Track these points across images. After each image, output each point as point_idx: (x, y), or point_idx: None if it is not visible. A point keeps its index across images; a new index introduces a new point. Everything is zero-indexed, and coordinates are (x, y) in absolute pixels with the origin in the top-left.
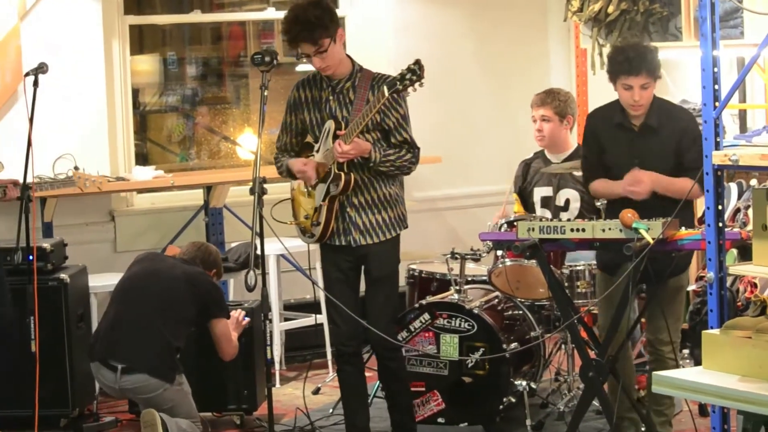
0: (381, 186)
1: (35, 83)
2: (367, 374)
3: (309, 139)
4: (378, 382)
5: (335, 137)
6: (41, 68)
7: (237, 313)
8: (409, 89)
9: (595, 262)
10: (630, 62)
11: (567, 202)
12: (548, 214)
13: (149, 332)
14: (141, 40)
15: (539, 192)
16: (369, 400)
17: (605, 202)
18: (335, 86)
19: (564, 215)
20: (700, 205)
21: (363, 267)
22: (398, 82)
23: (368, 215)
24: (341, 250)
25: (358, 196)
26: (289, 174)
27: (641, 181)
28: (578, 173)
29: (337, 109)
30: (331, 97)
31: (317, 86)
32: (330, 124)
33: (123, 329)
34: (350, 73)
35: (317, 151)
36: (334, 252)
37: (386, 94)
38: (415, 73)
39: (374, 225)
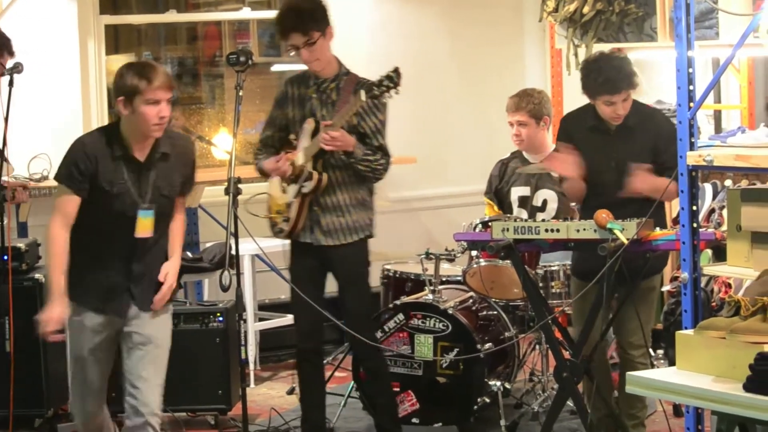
0: (351, 190)
1: (10, 83)
2: (341, 374)
3: (292, 137)
4: (352, 382)
5: (314, 135)
6: (16, 68)
7: None
8: (386, 96)
9: (569, 262)
10: (612, 83)
11: (545, 202)
12: (525, 214)
13: None
14: (116, 40)
15: (516, 191)
16: (343, 401)
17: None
18: (320, 85)
19: (541, 215)
20: (675, 206)
21: (329, 269)
22: (375, 88)
23: (333, 217)
24: (307, 248)
25: (326, 197)
26: (264, 174)
27: (642, 177)
28: (556, 173)
29: (318, 108)
30: (314, 96)
31: (305, 84)
32: (309, 123)
33: None
34: (336, 74)
35: (296, 149)
36: (301, 249)
37: (363, 98)
38: (392, 80)
39: (337, 227)
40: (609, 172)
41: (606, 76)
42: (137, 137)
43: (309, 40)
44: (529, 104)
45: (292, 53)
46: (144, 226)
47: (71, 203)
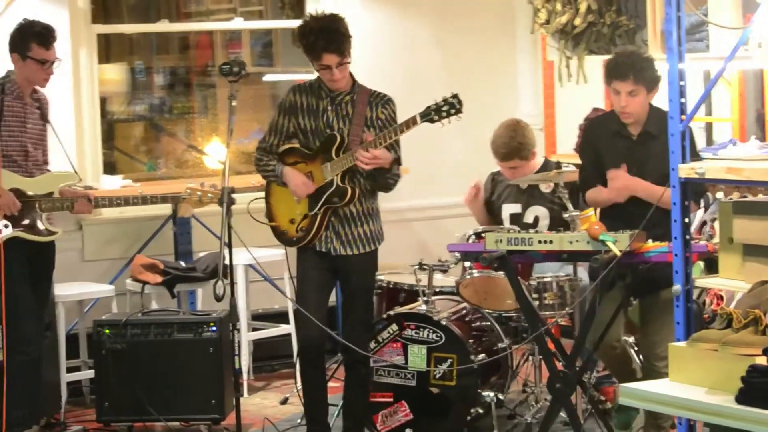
0: (366, 200)
1: (3, 92)
2: (334, 384)
3: (293, 144)
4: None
5: (338, 151)
6: (8, 77)
7: None
8: (444, 121)
9: (562, 273)
10: (618, 67)
11: (536, 219)
12: None
13: None
14: (108, 49)
15: (508, 209)
16: (337, 410)
17: (575, 214)
18: (334, 98)
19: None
20: None
21: (340, 277)
22: (433, 113)
23: (351, 227)
24: (320, 255)
25: (345, 208)
26: (276, 178)
27: (617, 178)
28: (546, 189)
29: (335, 120)
30: (329, 108)
31: (315, 94)
32: (334, 137)
33: None
34: (351, 87)
35: (321, 162)
36: (312, 255)
37: (418, 121)
38: (453, 106)
39: (355, 237)
40: None
41: (616, 61)
42: None
43: (344, 60)
44: (520, 152)
45: (319, 70)
46: None
47: None
